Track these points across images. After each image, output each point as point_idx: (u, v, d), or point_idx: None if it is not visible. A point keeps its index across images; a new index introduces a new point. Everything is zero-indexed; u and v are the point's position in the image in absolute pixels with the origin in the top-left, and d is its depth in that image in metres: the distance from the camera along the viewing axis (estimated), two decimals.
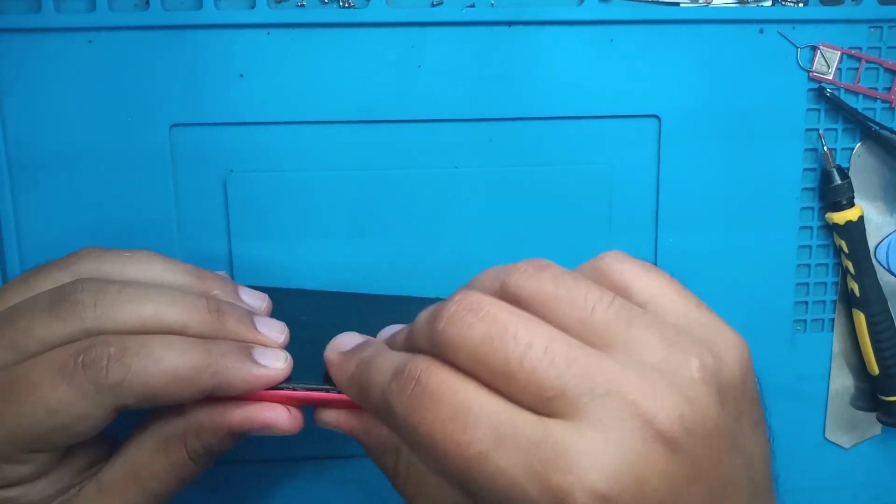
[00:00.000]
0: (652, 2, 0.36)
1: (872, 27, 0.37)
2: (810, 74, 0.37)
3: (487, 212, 0.36)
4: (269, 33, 0.34)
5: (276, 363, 0.27)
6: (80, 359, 0.25)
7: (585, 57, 0.36)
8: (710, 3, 0.36)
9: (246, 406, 0.27)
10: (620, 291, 0.23)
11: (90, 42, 0.34)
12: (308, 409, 0.28)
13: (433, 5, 0.35)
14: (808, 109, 0.37)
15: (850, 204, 0.37)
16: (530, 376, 0.20)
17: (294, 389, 0.27)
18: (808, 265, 0.39)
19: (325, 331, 0.28)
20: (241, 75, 0.35)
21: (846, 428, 0.40)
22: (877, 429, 0.40)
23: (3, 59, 0.34)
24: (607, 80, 0.36)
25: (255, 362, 0.27)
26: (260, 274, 0.36)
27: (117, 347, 0.25)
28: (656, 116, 0.37)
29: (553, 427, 0.20)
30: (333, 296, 0.34)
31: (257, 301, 0.31)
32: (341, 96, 0.35)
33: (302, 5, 0.34)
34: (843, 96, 0.37)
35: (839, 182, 0.37)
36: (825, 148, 0.37)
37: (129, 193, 0.35)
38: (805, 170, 0.38)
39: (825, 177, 0.37)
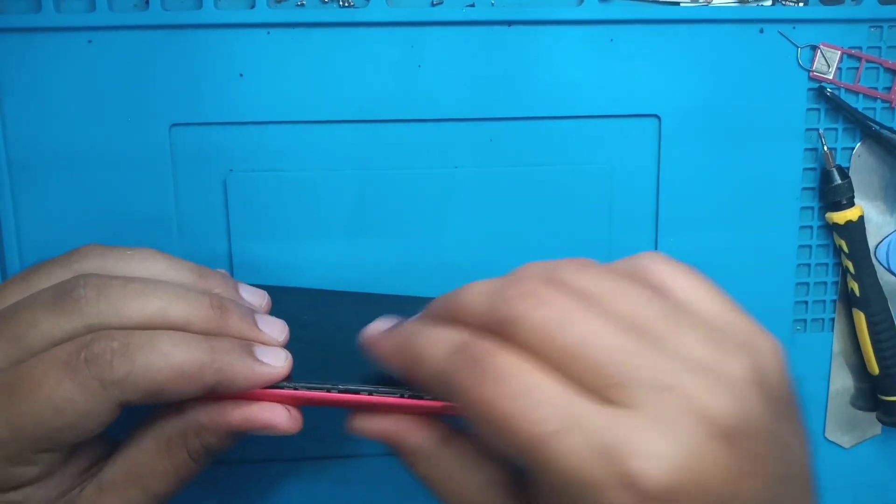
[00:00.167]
0: (652, 1, 0.36)
1: (872, 27, 0.37)
2: (810, 74, 0.37)
3: (487, 212, 0.36)
4: (268, 33, 0.34)
5: (277, 361, 0.27)
6: (84, 354, 0.24)
7: (585, 57, 0.36)
8: (710, 2, 0.36)
9: (246, 406, 0.27)
10: (659, 292, 0.23)
11: (90, 42, 0.34)
12: (312, 409, 0.28)
13: (433, 5, 0.35)
14: (808, 109, 0.37)
15: (850, 204, 0.37)
16: (593, 361, 0.21)
17: (295, 389, 0.27)
18: (808, 265, 0.39)
19: (324, 330, 0.28)
20: (241, 75, 0.35)
21: (846, 428, 0.40)
22: (877, 428, 0.40)
23: (3, 59, 0.34)
24: (607, 80, 0.36)
25: (257, 360, 0.27)
26: (260, 273, 0.36)
27: (121, 342, 0.25)
28: (656, 116, 0.37)
29: (619, 414, 0.20)
30: (333, 295, 0.34)
31: (257, 299, 0.31)
32: (341, 96, 0.35)
33: (302, 5, 0.34)
34: (844, 96, 0.37)
35: (839, 182, 0.37)
36: (825, 147, 0.37)
37: (129, 193, 0.35)
38: (805, 169, 0.38)
39: (825, 176, 0.37)
